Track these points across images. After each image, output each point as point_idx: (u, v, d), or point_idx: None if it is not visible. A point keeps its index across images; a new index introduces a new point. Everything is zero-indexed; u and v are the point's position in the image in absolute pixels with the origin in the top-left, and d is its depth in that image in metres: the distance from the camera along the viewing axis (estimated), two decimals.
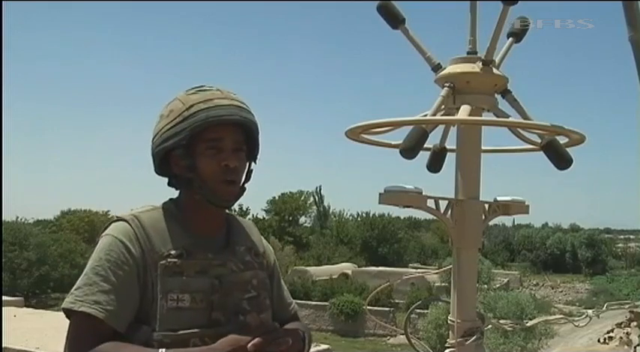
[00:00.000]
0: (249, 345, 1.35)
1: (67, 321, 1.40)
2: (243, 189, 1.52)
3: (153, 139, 1.50)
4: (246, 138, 1.51)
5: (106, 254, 1.39)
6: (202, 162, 1.44)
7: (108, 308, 1.35)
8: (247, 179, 1.53)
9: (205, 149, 1.45)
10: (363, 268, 32.90)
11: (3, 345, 4.22)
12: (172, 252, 1.41)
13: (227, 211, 1.58)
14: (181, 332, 1.36)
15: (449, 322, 2.14)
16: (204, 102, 1.45)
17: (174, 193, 1.55)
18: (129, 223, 1.43)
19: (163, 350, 1.33)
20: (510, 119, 2.06)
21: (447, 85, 2.03)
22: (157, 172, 1.54)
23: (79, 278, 1.39)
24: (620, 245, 54.78)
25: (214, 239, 1.51)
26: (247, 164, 1.53)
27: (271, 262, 1.66)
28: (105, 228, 1.47)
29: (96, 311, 1.34)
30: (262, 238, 1.67)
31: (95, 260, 1.40)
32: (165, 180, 1.55)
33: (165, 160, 1.49)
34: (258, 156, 1.56)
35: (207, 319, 1.40)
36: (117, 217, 1.48)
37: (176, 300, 1.37)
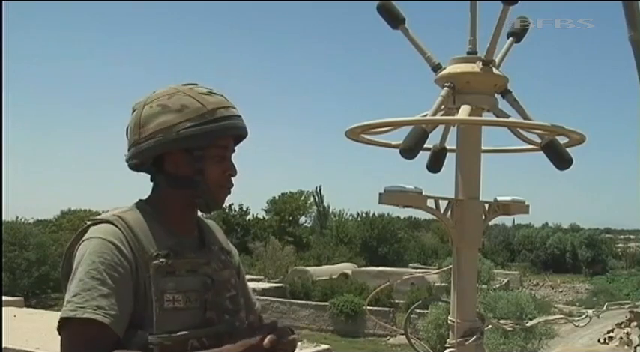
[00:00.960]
0: (266, 342, 1.34)
1: None
2: None
3: (152, 132, 1.41)
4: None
5: (99, 257, 1.33)
6: (210, 167, 1.45)
7: (111, 312, 1.30)
8: None
9: (215, 155, 1.45)
10: (363, 268, 32.86)
11: (3, 345, 4.22)
12: (161, 252, 1.38)
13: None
14: (180, 333, 1.34)
15: (449, 322, 2.13)
16: (224, 108, 1.46)
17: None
18: (114, 224, 1.39)
19: None
20: (510, 119, 2.06)
21: (447, 85, 2.03)
22: (135, 164, 1.46)
23: (73, 285, 1.32)
24: (620, 245, 54.75)
25: (191, 239, 1.50)
26: None
27: (236, 262, 1.65)
28: (82, 232, 1.40)
29: (101, 316, 1.28)
30: (226, 238, 1.67)
31: (88, 264, 1.33)
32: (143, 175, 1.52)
33: (159, 156, 1.44)
34: None
35: (202, 319, 1.39)
36: (96, 219, 1.42)
37: (172, 301, 1.35)
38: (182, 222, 1.49)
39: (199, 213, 1.58)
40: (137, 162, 1.46)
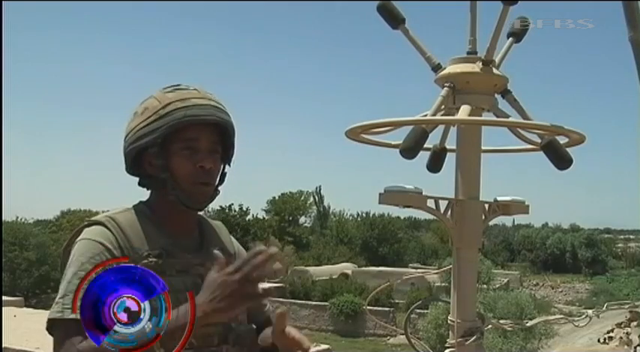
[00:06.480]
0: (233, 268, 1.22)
1: None
2: (216, 192, 1.49)
3: (125, 137, 1.46)
4: (222, 139, 1.48)
5: (88, 258, 1.34)
6: (177, 162, 1.41)
7: None
8: (221, 181, 1.50)
9: (180, 149, 1.41)
10: (363, 268, 32.87)
11: (3, 345, 4.22)
12: (152, 252, 1.37)
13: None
14: None
15: (449, 322, 2.14)
16: (181, 100, 1.42)
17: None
18: (105, 225, 1.39)
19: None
20: (510, 119, 2.06)
21: (447, 85, 2.03)
22: (127, 171, 1.50)
23: (62, 287, 1.32)
24: (620, 245, 54.75)
25: (189, 240, 1.48)
26: (222, 166, 1.50)
27: None
28: (77, 234, 1.41)
29: None
30: (233, 239, 1.64)
31: (77, 266, 1.33)
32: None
33: (137, 159, 1.45)
34: (233, 159, 1.53)
35: None
36: (89, 221, 1.43)
37: None
38: (176, 222, 1.47)
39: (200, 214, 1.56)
40: (125, 168, 1.49)
